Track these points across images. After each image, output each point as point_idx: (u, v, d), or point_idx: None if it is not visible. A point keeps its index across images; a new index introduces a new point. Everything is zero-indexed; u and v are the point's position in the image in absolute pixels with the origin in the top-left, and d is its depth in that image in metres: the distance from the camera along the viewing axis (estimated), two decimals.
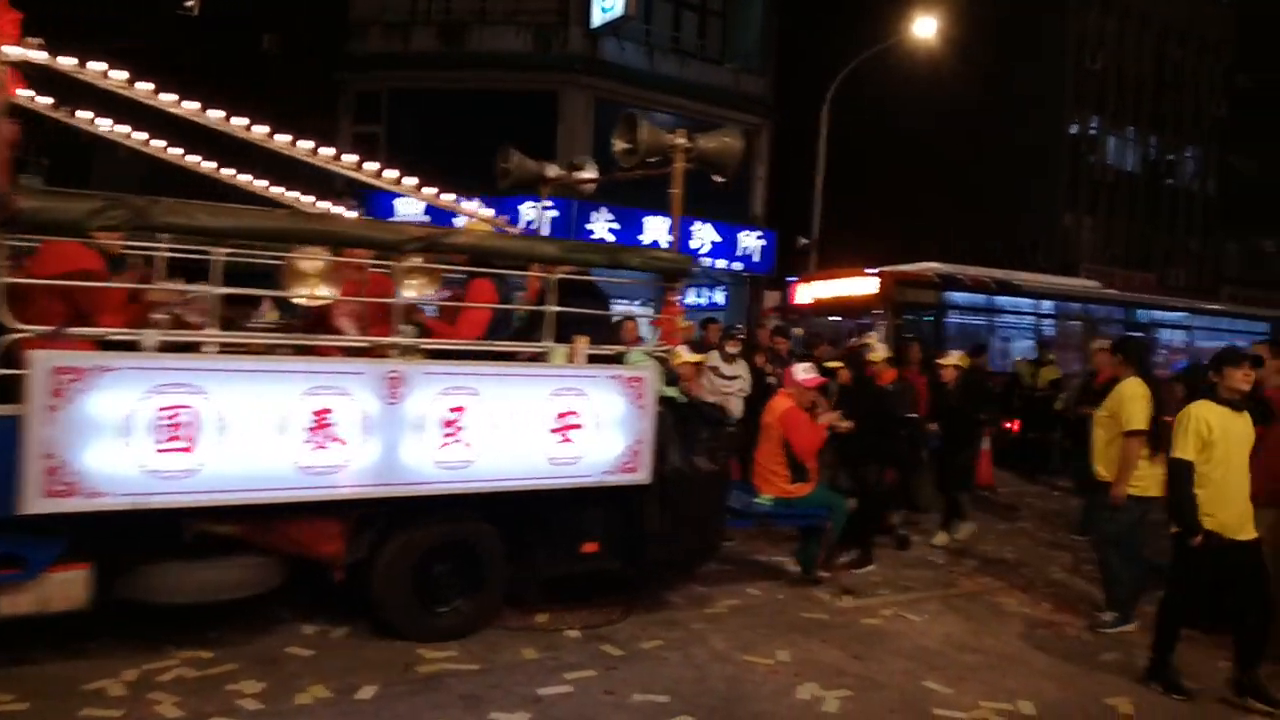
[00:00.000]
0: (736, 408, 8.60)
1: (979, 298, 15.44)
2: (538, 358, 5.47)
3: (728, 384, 8.86)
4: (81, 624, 4.51)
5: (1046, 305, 16.16)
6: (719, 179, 6.95)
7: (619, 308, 13.28)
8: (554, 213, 19.07)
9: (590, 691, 4.58)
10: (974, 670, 5.19)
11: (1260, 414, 5.64)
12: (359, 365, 4.83)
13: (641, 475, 5.48)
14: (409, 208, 18.83)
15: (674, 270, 6.09)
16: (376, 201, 18.44)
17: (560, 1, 20.78)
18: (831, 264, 17.54)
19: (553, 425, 5.21)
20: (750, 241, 21.84)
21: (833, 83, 19.26)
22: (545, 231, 11.68)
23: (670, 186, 6.80)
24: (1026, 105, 27.08)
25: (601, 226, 19.26)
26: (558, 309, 5.45)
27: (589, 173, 8.11)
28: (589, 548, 5.57)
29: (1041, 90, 27.72)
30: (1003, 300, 15.62)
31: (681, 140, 6.66)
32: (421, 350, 5.16)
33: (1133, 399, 5.86)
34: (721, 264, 21.25)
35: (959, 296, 15.19)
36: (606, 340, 5.87)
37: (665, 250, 6.56)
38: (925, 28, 18.81)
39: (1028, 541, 8.82)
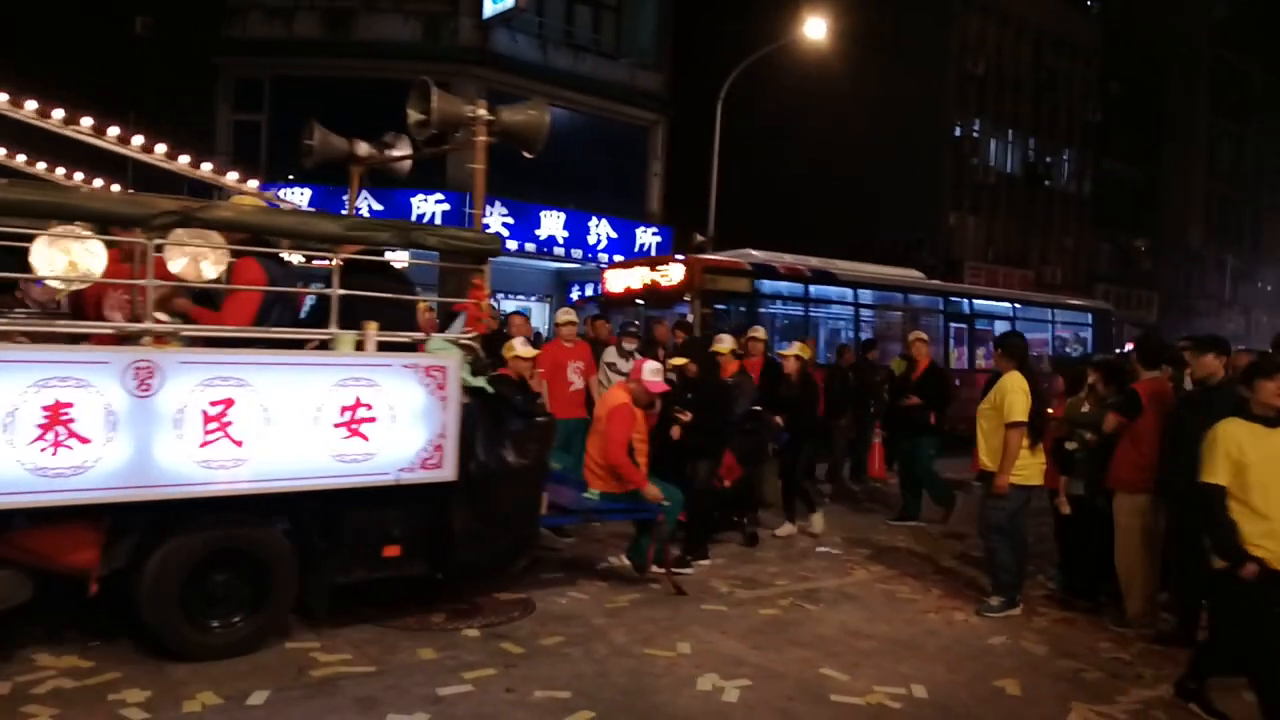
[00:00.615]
0: None
1: (795, 286, 14.82)
2: (325, 345, 4.99)
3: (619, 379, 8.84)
4: None
5: (866, 295, 15.68)
6: (527, 154, 6.73)
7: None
8: (445, 206, 18.81)
9: (491, 690, 4.49)
10: (869, 656, 5.30)
11: (1129, 407, 5.96)
12: (101, 354, 4.31)
13: (446, 472, 5.10)
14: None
15: (479, 251, 5.66)
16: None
17: None
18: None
19: (338, 419, 4.78)
20: (647, 238, 21.93)
21: (726, 80, 19.48)
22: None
23: (483, 163, 6.44)
24: (912, 106, 27.96)
25: (495, 220, 19.00)
26: (344, 292, 4.97)
27: (402, 149, 7.48)
28: (391, 551, 5.13)
29: (926, 92, 28.69)
30: (821, 289, 15.10)
31: (482, 112, 6.31)
32: (181, 338, 4.61)
33: (1014, 391, 6.10)
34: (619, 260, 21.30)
35: (773, 285, 14.57)
36: (408, 326, 5.43)
37: (468, 230, 5.99)
38: (815, 29, 19.19)
39: (919, 531, 9.09)
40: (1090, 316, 19.93)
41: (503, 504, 5.32)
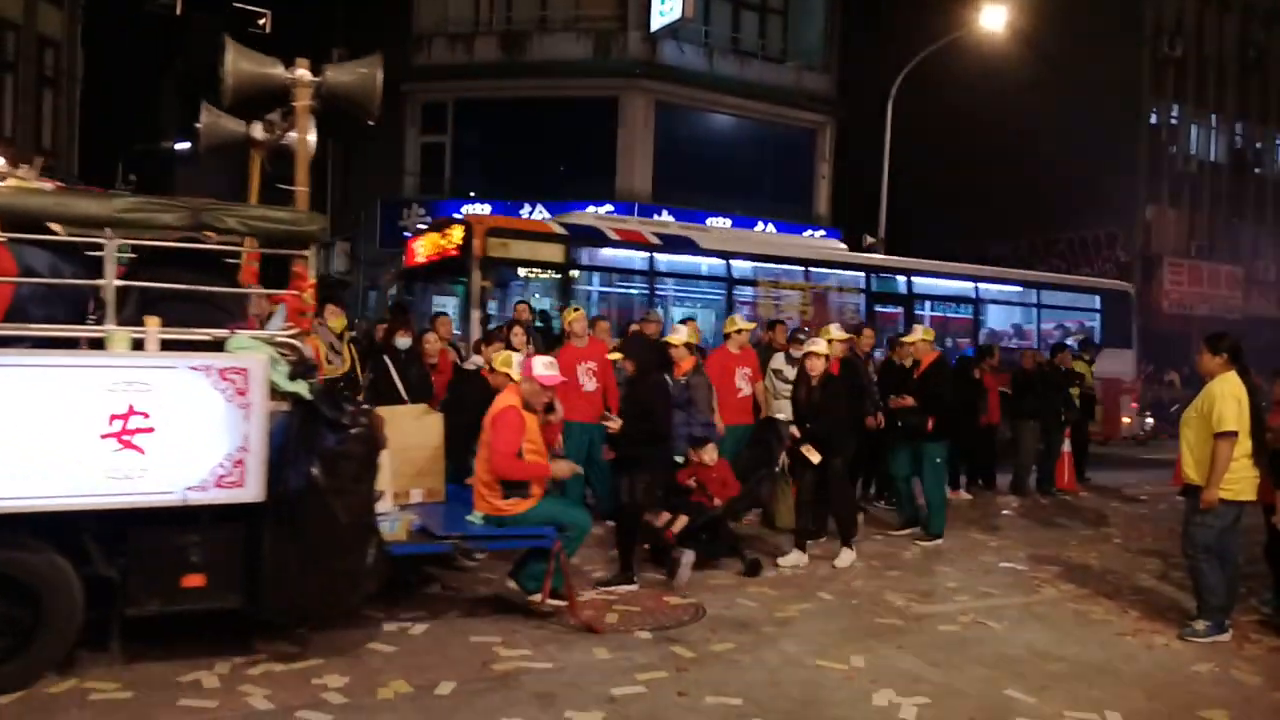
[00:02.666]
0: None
1: (637, 257, 12.15)
2: (99, 344, 4.40)
3: (787, 387, 8.27)
4: (174, 623, 4.66)
5: (745, 268, 12.78)
6: (368, 121, 6.17)
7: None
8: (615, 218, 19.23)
9: (663, 692, 4.56)
10: (1058, 679, 5.02)
11: None
12: None
13: (249, 492, 4.42)
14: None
15: (296, 234, 4.91)
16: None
17: (619, 6, 20.90)
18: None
19: (107, 429, 4.17)
20: (815, 241, 21.63)
21: (897, 78, 18.97)
22: None
23: (305, 131, 5.76)
24: (1103, 93, 26.21)
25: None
26: (120, 283, 4.52)
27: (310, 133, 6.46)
28: (192, 581, 4.46)
29: (1118, 77, 26.84)
30: (675, 261, 12.47)
31: (302, 73, 5.69)
32: None
33: (1225, 398, 5.62)
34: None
35: (600, 254, 12.00)
36: (214, 323, 4.71)
37: (281, 209, 5.09)
38: (993, 18, 18.37)
39: (1114, 549, 8.54)
40: (1098, 299, 16.18)
41: (323, 530, 4.46)
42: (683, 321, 9.40)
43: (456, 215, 13.50)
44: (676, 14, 19.59)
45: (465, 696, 4.41)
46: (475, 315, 10.11)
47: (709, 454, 7.13)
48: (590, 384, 8.11)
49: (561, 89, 20.67)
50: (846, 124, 23.01)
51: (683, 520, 6.76)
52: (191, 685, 4.37)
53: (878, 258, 16.24)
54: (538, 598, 5.53)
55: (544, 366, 5.70)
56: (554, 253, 11.40)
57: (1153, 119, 28.50)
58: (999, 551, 8.03)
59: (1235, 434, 5.57)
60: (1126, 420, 15.83)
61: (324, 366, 7.50)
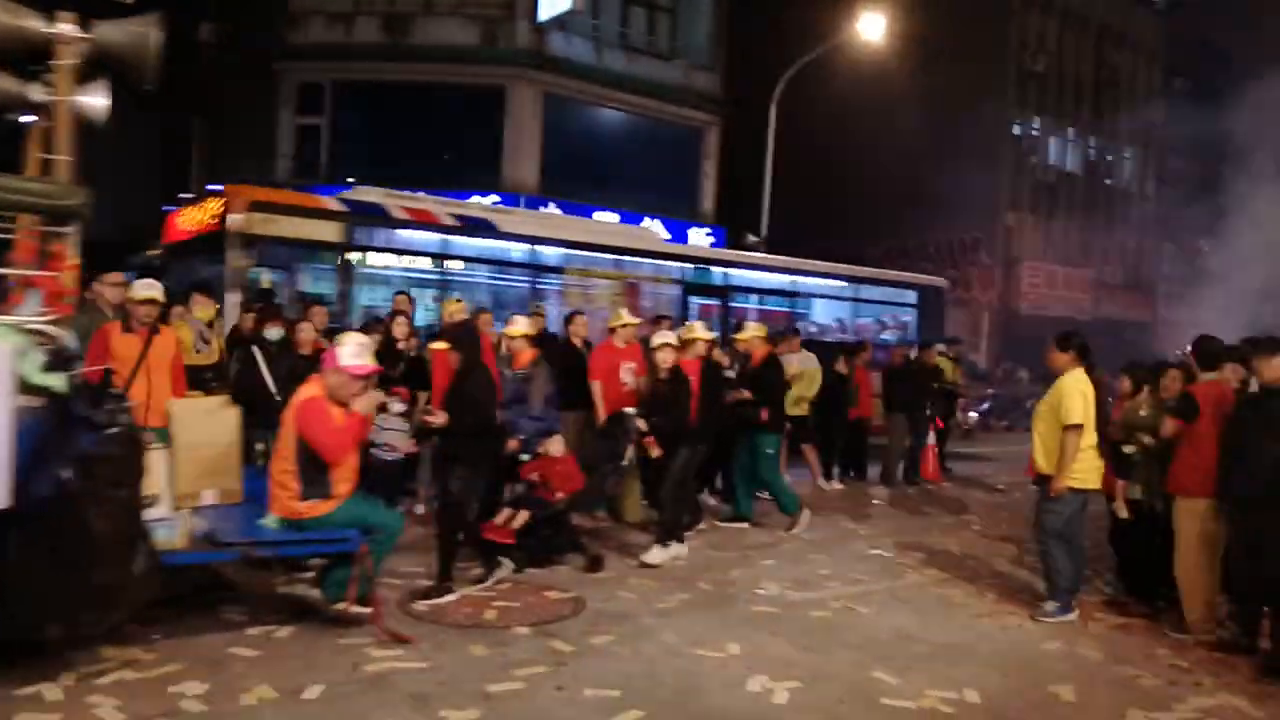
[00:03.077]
0: None
1: (428, 239, 11.27)
2: None
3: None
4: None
5: (553, 255, 12.10)
6: (143, 87, 5.65)
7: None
8: (502, 208, 19.00)
9: (541, 688, 4.55)
10: (921, 660, 5.26)
11: (1186, 410, 5.85)
12: None
13: None
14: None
15: (52, 209, 4.41)
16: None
17: None
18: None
19: None
20: (700, 238, 21.93)
21: (781, 80, 19.39)
22: None
23: (68, 93, 5.25)
24: (971, 104, 27.51)
25: None
26: None
27: (98, 97, 5.95)
28: None
29: (985, 90, 28.22)
30: (471, 245, 11.59)
31: (65, 28, 5.25)
32: None
33: (1072, 393, 6.00)
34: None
35: (383, 235, 10.99)
36: None
37: (34, 181, 4.61)
38: (872, 27, 18.95)
39: (973, 535, 8.97)
40: (916, 295, 16.41)
41: (77, 540, 4.07)
42: (534, 312, 9.20)
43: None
44: (565, 5, 19.51)
45: (334, 700, 4.29)
46: (230, 299, 9.02)
47: (554, 447, 6.93)
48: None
49: (447, 75, 20.28)
50: (733, 123, 23.39)
51: (524, 516, 6.61)
52: (31, 699, 4.07)
53: (692, 248, 16.16)
54: (343, 606, 5.10)
55: (352, 355, 5.15)
56: (330, 231, 10.31)
57: (1016, 130, 30.09)
58: (868, 540, 8.34)
59: (1081, 426, 5.94)
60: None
61: (190, 355, 7.19)
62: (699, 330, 8.14)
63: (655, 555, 7.03)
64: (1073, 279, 30.44)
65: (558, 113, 21.04)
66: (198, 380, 7.13)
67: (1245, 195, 17.37)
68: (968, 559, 7.84)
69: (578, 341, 9.13)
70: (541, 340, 9.07)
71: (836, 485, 11.03)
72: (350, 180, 17.06)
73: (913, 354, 12.21)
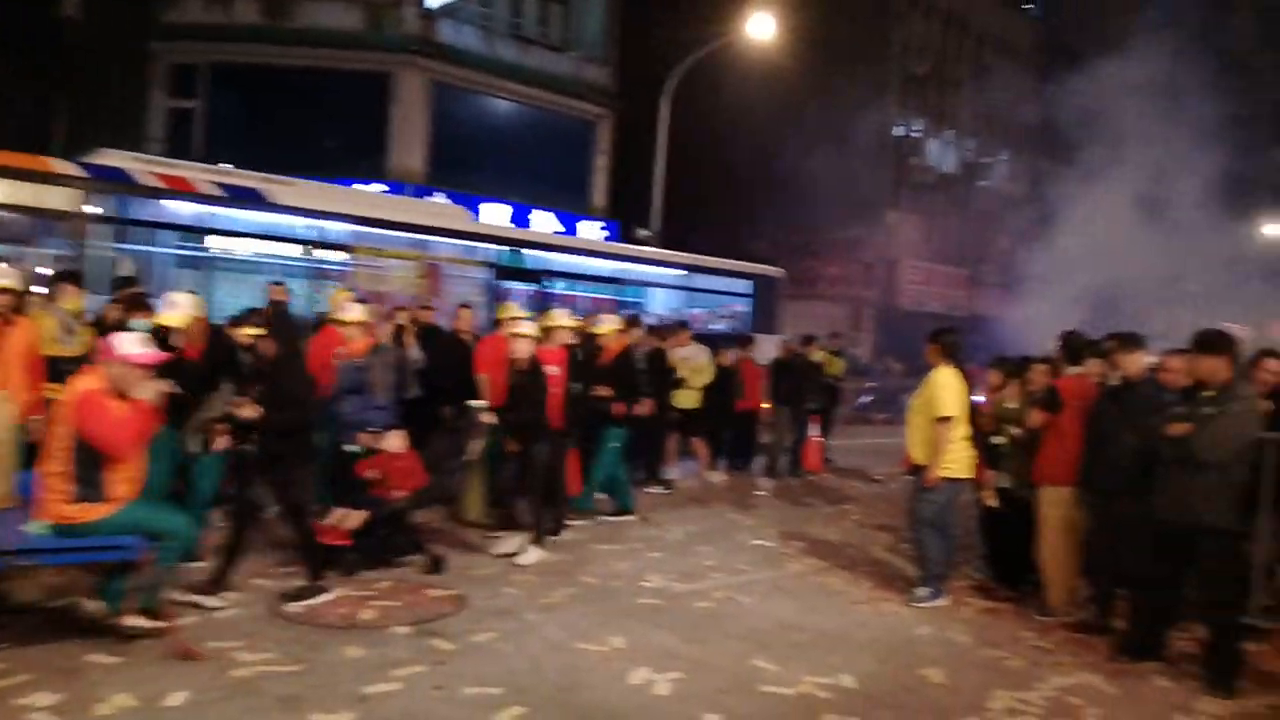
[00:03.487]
0: None
1: (182, 210, 10.20)
2: None
3: None
4: None
5: (340, 231, 11.18)
6: None
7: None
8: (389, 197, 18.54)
9: (419, 687, 4.45)
10: (800, 648, 5.37)
11: (1050, 403, 6.15)
12: None
13: None
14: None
15: None
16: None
17: None
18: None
19: None
20: (592, 232, 21.89)
21: (673, 75, 19.50)
22: None
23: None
24: (855, 105, 28.25)
25: None
26: None
27: None
28: None
29: (869, 92, 29.03)
30: (237, 218, 10.49)
31: None
32: None
33: (944, 387, 6.24)
34: None
35: (133, 205, 9.79)
36: None
37: None
38: (761, 26, 19.20)
39: (852, 525, 9.22)
40: (752, 285, 16.07)
41: None
42: (365, 297, 8.59)
43: None
44: None
45: (199, 706, 4.11)
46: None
47: (393, 442, 6.59)
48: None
49: (331, 60, 19.66)
50: (626, 117, 23.42)
51: (359, 516, 6.21)
52: None
53: (501, 227, 15.34)
54: (128, 619, 4.71)
55: (134, 343, 4.75)
56: (64, 199, 9.06)
57: (898, 131, 31.12)
58: (752, 531, 8.48)
59: (953, 418, 6.18)
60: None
61: (54, 346, 6.74)
62: (561, 318, 7.91)
63: (521, 552, 6.80)
64: (950, 277, 31.69)
65: (447, 102, 20.65)
66: (60, 373, 6.68)
67: (1098, 196, 18.35)
68: (847, 547, 8.05)
69: (466, 334, 8.98)
70: (424, 333, 8.90)
71: (723, 477, 11.18)
72: (226, 166, 16.36)
73: (798, 348, 12.41)
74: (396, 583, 6.09)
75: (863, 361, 24.81)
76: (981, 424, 6.71)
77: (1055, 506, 6.09)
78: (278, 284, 9.25)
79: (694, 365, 10.43)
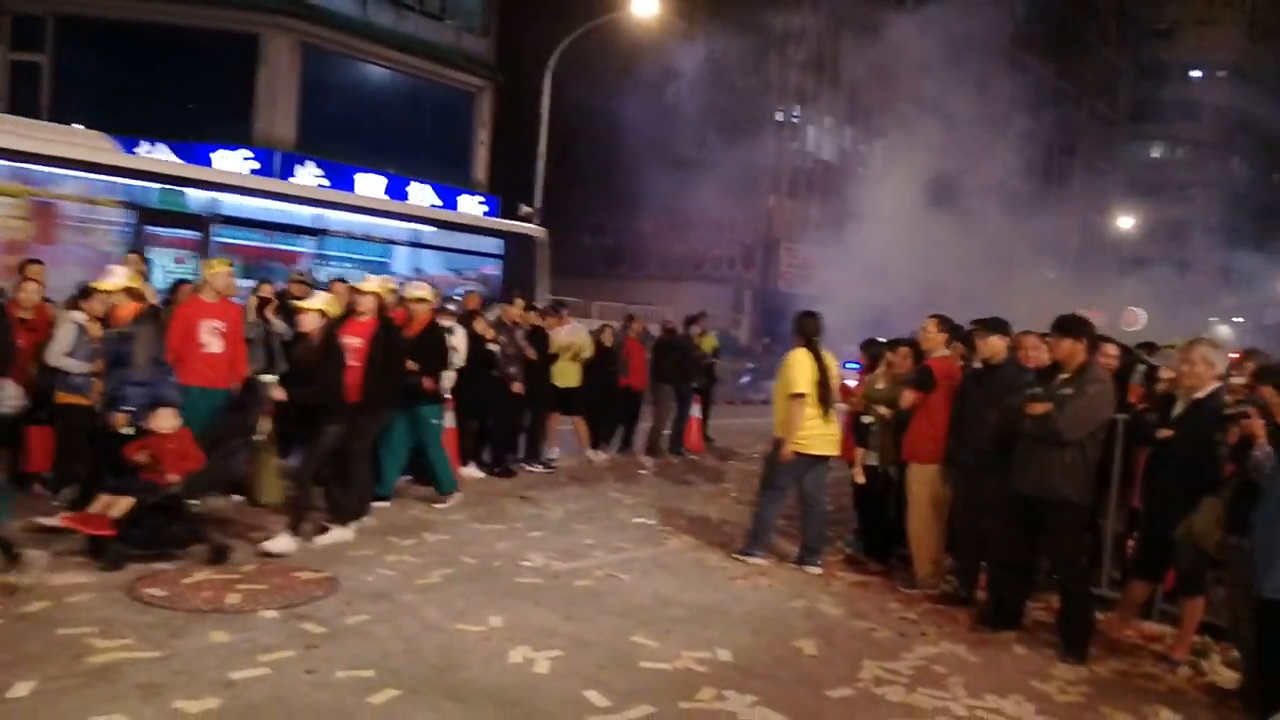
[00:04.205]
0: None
1: None
2: None
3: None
4: None
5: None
6: None
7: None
8: (254, 164, 17.77)
9: (289, 672, 4.29)
10: (678, 623, 5.44)
11: (923, 382, 6.40)
12: None
13: None
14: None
15: None
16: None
17: None
18: (556, 233, 16.13)
19: None
20: (472, 206, 21.51)
21: (556, 50, 19.28)
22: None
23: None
24: (739, 90, 28.61)
25: (307, 180, 18.12)
26: None
27: None
28: None
29: (751, 76, 29.43)
30: None
31: None
32: None
33: (795, 365, 6.65)
34: None
35: None
36: None
37: None
38: (645, 5, 19.18)
39: (730, 502, 9.40)
40: (502, 244, 14.15)
41: None
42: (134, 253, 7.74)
43: None
44: None
45: (49, 696, 3.85)
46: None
47: (164, 421, 6.01)
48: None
49: (192, 18, 18.60)
50: (509, 91, 23.04)
51: (126, 503, 5.61)
52: None
53: (151, 160, 13.08)
54: None
55: None
56: None
57: (778, 116, 31.71)
58: (633, 509, 8.54)
59: (804, 395, 6.53)
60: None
61: None
62: (371, 285, 7.08)
63: (280, 543, 6.12)
64: (826, 260, 32.57)
65: (319, 66, 19.87)
66: None
67: (968, 186, 19.19)
68: (724, 524, 8.20)
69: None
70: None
71: (604, 456, 11.21)
72: (76, 126, 15.32)
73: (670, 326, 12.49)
74: (263, 565, 5.86)
75: (740, 343, 25.29)
76: (852, 404, 6.96)
77: (923, 483, 6.34)
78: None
79: (575, 342, 10.39)
